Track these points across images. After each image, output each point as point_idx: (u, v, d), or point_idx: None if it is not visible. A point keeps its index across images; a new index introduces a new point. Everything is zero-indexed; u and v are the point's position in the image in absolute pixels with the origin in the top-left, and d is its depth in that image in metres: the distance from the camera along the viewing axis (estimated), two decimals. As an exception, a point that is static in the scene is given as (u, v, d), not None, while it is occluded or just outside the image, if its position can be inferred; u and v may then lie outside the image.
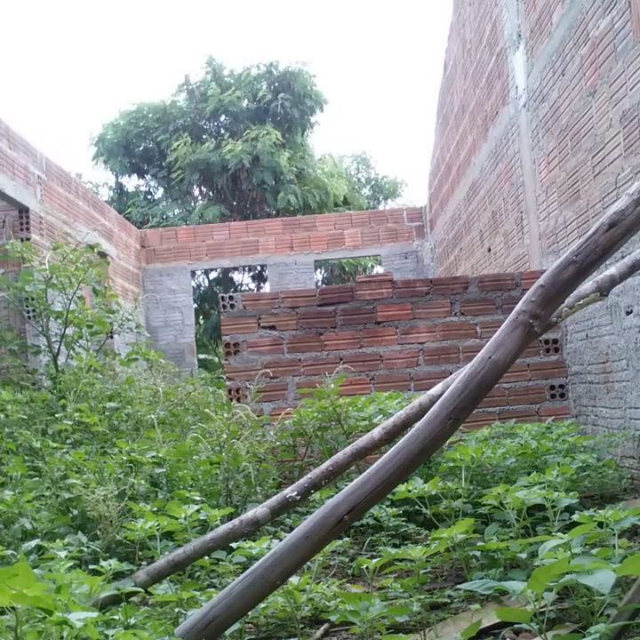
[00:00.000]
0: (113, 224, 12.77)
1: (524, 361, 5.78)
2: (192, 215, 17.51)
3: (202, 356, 18.01)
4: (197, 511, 2.83)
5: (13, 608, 1.57)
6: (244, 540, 2.75)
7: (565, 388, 5.86)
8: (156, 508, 3.03)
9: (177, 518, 2.78)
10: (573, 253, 2.18)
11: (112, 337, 9.06)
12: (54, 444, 4.11)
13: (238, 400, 5.52)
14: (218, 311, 14.60)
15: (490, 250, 8.68)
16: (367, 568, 2.63)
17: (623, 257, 3.84)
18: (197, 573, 3.02)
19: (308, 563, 2.56)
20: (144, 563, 3.05)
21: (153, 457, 3.80)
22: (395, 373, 5.84)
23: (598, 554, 2.09)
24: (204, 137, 18.50)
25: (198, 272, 17.65)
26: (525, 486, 3.08)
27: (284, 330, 5.85)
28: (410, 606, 2.46)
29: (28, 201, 9.17)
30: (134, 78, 50.32)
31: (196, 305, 17.46)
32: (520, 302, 2.20)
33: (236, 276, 19.54)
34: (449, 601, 2.73)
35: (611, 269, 2.72)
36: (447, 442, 2.62)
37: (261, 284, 19.33)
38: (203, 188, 18.68)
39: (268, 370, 5.48)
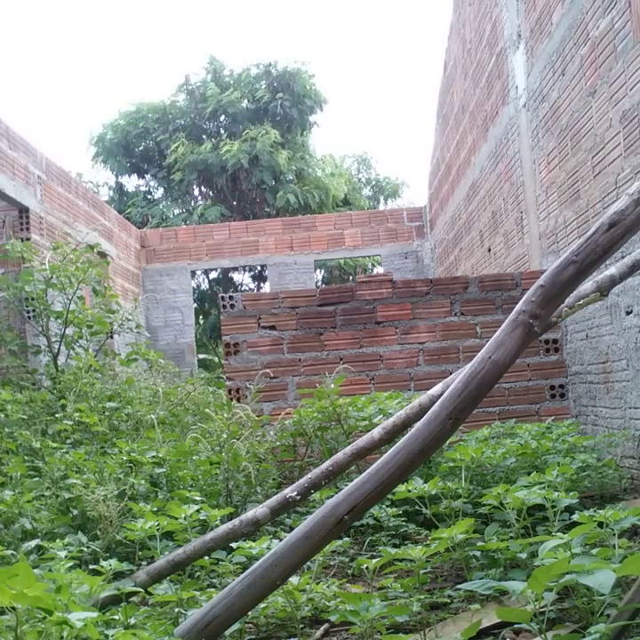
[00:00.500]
0: (113, 224, 12.77)
1: (524, 361, 5.78)
2: (192, 215, 17.52)
3: (202, 356, 18.00)
4: (197, 511, 2.83)
5: (13, 608, 1.57)
6: (244, 540, 2.74)
7: (565, 387, 5.86)
8: (155, 508, 3.03)
9: (177, 518, 2.78)
10: (573, 253, 2.18)
11: (112, 337, 9.06)
12: (54, 444, 4.11)
13: (238, 400, 5.52)
14: (218, 311, 14.59)
15: (490, 250, 8.68)
16: (367, 568, 2.63)
17: (623, 257, 3.84)
18: (197, 573, 3.02)
19: (308, 563, 2.56)
20: (144, 563, 3.05)
21: (153, 457, 3.80)
22: (395, 373, 5.84)
23: (598, 554, 2.09)
24: (204, 137, 18.51)
25: (198, 272, 17.65)
26: (525, 486, 3.08)
27: (283, 330, 5.85)
28: (410, 606, 2.46)
29: (28, 201, 9.17)
30: (134, 78, 50.33)
31: (195, 305, 17.46)
32: (520, 302, 2.20)
33: (236, 276, 19.56)
34: (449, 601, 2.73)
35: (611, 269, 2.72)
36: (447, 442, 2.62)
37: (261, 284, 19.33)
38: (202, 188, 18.69)
39: (268, 370, 5.48)
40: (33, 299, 6.97)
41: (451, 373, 4.73)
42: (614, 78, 4.70)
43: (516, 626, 2.29)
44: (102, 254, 11.64)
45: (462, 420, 2.16)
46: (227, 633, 2.31)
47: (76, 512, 3.45)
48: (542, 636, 1.92)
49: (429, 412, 2.16)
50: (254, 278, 19.61)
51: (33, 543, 2.87)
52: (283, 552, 2.09)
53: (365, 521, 3.77)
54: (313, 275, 14.72)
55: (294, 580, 2.53)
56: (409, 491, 3.17)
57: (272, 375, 5.61)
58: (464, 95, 9.64)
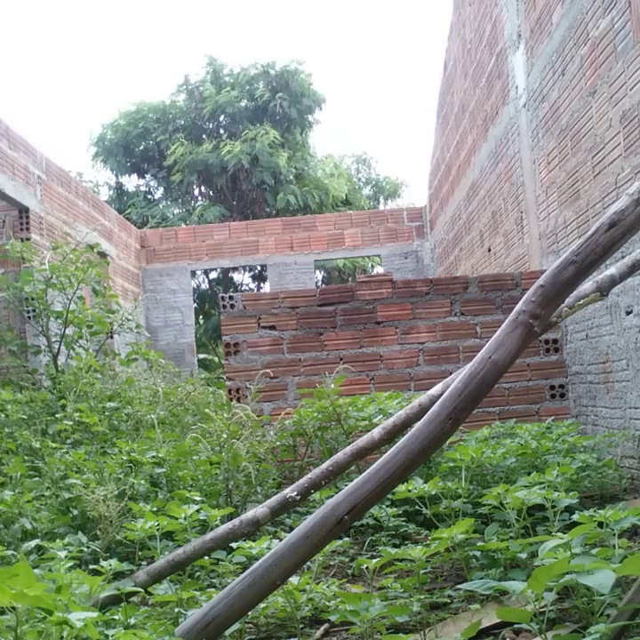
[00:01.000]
0: (113, 224, 12.77)
1: (524, 361, 5.78)
2: (192, 216, 17.52)
3: (202, 356, 18.00)
4: (197, 511, 2.83)
5: (13, 608, 1.57)
6: (244, 540, 2.74)
7: (565, 387, 5.86)
8: (155, 508, 3.03)
9: (177, 518, 2.78)
10: (573, 253, 2.18)
11: (112, 337, 9.05)
12: (54, 444, 4.11)
13: (238, 400, 5.52)
14: (218, 311, 14.60)
15: (490, 250, 8.68)
16: (367, 568, 2.63)
17: (623, 257, 3.84)
18: (197, 573, 3.02)
19: (308, 563, 2.56)
20: (144, 563, 3.05)
21: (153, 457, 3.80)
22: (395, 373, 5.84)
23: (598, 554, 2.09)
24: (203, 137, 18.51)
25: (198, 272, 17.65)
26: (525, 486, 3.08)
27: (284, 330, 5.85)
28: (410, 606, 2.46)
29: (28, 201, 9.17)
30: (134, 78, 50.32)
31: (195, 305, 17.46)
32: (520, 302, 2.20)
33: (236, 276, 19.56)
34: (449, 601, 2.73)
35: (611, 269, 2.72)
36: (447, 442, 2.62)
37: (261, 284, 19.33)
38: (202, 188, 18.69)
39: (268, 370, 5.48)
40: (33, 299, 6.96)
41: (451, 373, 4.74)
42: (614, 78, 4.70)
43: (516, 626, 2.30)
44: (102, 254, 11.64)
45: (462, 420, 2.16)
46: (227, 633, 2.31)
47: (75, 512, 3.45)
48: (542, 636, 1.92)
49: (429, 412, 2.16)
50: (254, 278, 19.62)
51: (33, 543, 2.87)
52: (283, 552, 2.09)
53: (365, 521, 3.77)
54: (313, 275, 14.72)
55: (294, 579, 2.53)
56: (409, 491, 3.17)
57: (272, 375, 5.61)
58: (464, 95, 9.64)
